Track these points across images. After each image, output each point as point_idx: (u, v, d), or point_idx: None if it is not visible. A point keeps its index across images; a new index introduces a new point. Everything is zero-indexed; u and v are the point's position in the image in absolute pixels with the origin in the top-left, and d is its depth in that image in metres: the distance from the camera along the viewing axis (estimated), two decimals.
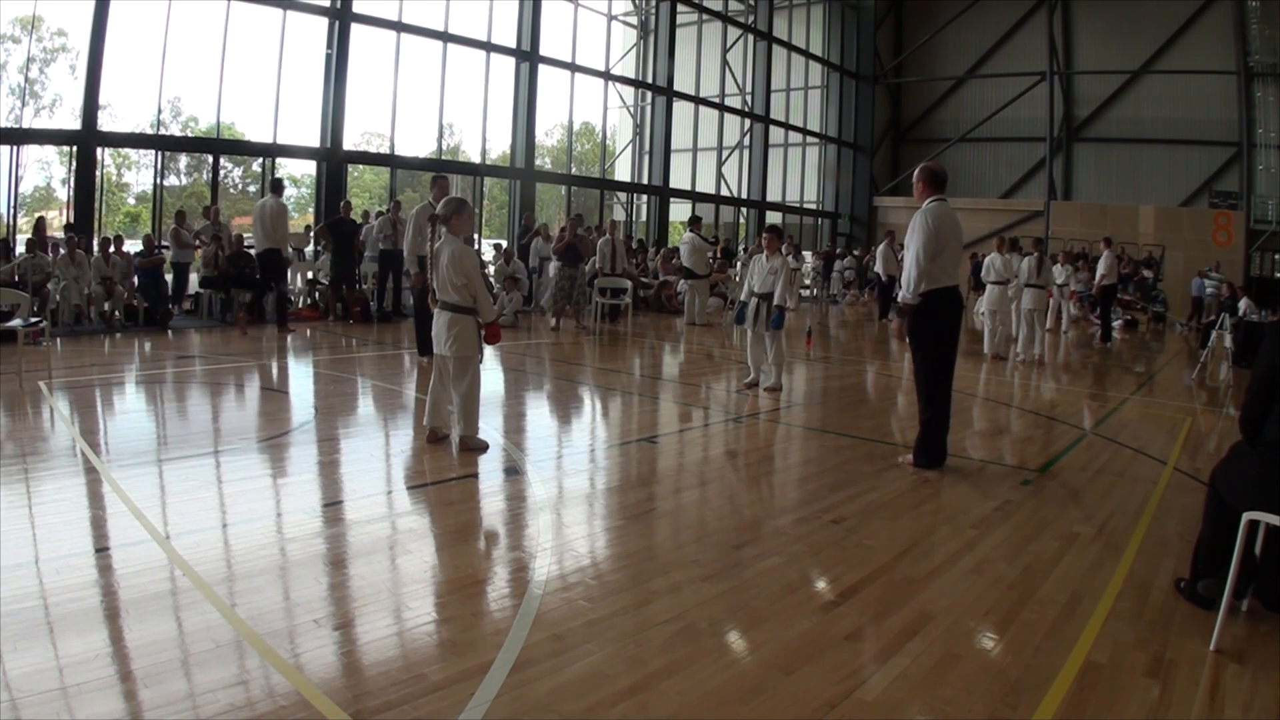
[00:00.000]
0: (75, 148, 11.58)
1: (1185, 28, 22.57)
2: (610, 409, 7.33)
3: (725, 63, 22.33)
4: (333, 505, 4.23)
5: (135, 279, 11.08)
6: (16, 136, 11.49)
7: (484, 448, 5.26)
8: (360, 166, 17.73)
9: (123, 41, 11.90)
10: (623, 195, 21.99)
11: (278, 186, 10.67)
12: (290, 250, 11.34)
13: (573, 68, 18.51)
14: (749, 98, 23.41)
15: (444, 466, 5.05)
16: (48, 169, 14.90)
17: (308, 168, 15.79)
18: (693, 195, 22.02)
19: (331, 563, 3.45)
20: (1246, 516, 2.96)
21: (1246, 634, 3.15)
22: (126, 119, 13.84)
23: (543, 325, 12.61)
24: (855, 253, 22.61)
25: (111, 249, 10.93)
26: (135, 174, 17.73)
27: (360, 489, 4.53)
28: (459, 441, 5.27)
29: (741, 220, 24.52)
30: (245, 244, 12.13)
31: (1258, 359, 3.25)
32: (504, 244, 16.20)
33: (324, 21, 13.87)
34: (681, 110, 21.44)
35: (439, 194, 7.77)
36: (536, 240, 15.03)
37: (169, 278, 11.67)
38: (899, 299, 5.21)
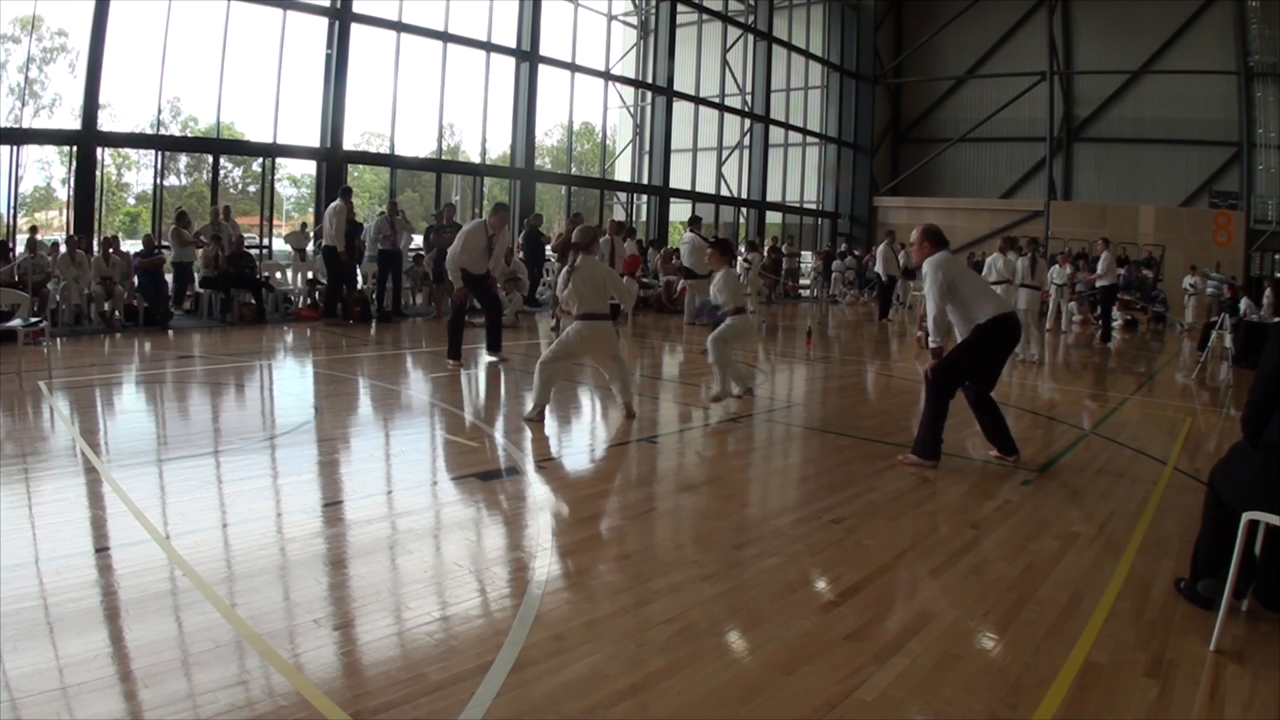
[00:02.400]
0: (75, 148, 11.58)
1: (1185, 28, 22.56)
2: (610, 409, 7.32)
3: (725, 63, 22.33)
4: (333, 505, 4.23)
5: (135, 279, 11.09)
6: (16, 136, 11.49)
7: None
8: (360, 166, 17.74)
9: (123, 41, 11.93)
10: (623, 195, 21.99)
11: (345, 193, 11.76)
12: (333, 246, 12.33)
13: (573, 68, 18.51)
14: (749, 98, 23.41)
15: (444, 466, 5.05)
16: (48, 169, 14.93)
17: (308, 168, 15.81)
18: (693, 195, 22.03)
19: (331, 563, 3.45)
20: (1246, 516, 2.96)
21: (1246, 634, 3.14)
22: (126, 119, 13.88)
23: (543, 325, 12.60)
24: (855, 253, 22.60)
25: (112, 250, 10.93)
26: (135, 174, 17.76)
27: (360, 489, 4.53)
28: (626, 408, 6.35)
29: (741, 220, 24.53)
30: (245, 244, 12.17)
31: (1262, 359, 3.24)
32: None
33: (324, 21, 13.88)
34: (681, 110, 21.44)
35: (498, 222, 8.27)
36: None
37: (169, 278, 11.68)
38: (929, 344, 5.42)
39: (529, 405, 6.16)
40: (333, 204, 11.77)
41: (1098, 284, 14.23)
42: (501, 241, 8.33)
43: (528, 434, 5.98)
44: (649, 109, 21.51)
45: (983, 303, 5.26)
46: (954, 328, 5.37)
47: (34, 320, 7.43)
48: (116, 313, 10.65)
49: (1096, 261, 14.72)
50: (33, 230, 10.80)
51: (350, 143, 15.07)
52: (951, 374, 5.35)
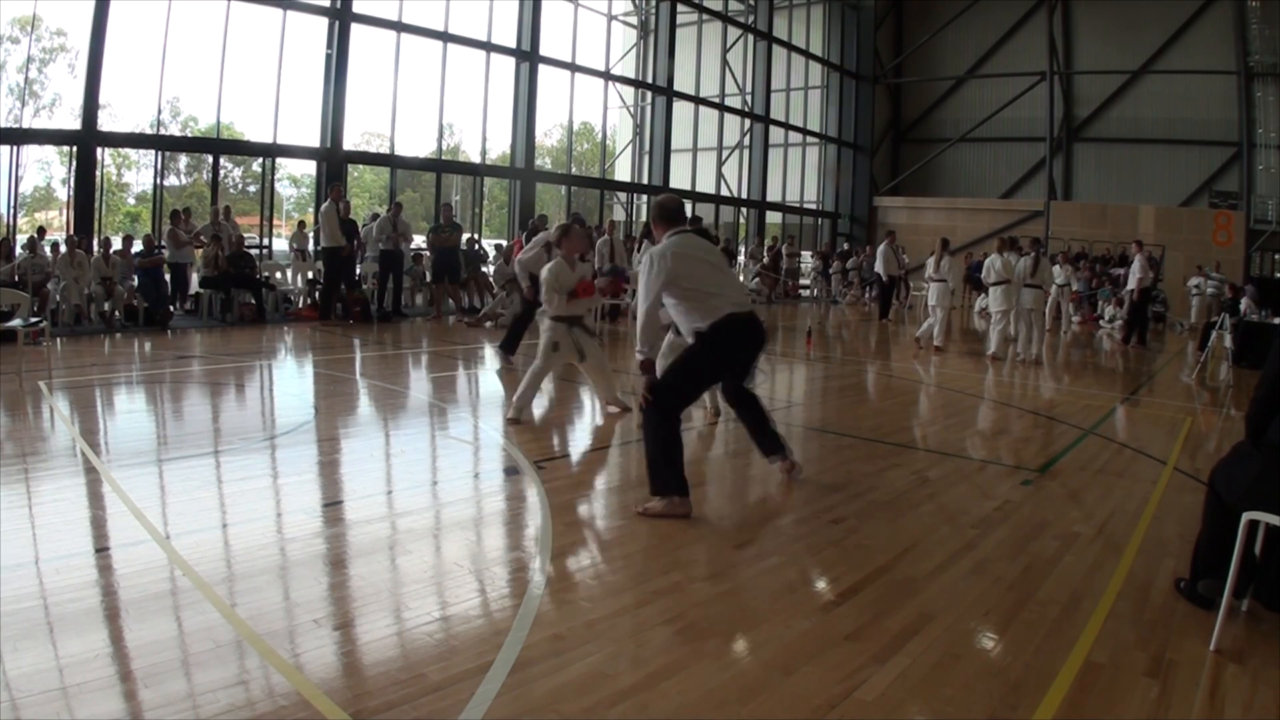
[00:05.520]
0: (75, 148, 11.58)
1: (1185, 28, 22.55)
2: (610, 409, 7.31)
3: (725, 63, 22.32)
4: (333, 505, 4.22)
5: (135, 279, 11.09)
6: (16, 136, 11.49)
7: None
8: (360, 166, 17.75)
9: (123, 41, 11.93)
10: (623, 195, 21.99)
11: (333, 192, 12.03)
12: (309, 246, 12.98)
13: (573, 68, 18.50)
14: (749, 98, 23.40)
15: (444, 466, 5.05)
16: (48, 169, 14.96)
17: (308, 168, 15.81)
18: (693, 195, 22.00)
19: (331, 563, 3.45)
20: (1246, 517, 2.96)
21: (1246, 634, 3.14)
22: (126, 119, 13.90)
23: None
24: (856, 255, 22.56)
25: (112, 249, 10.92)
26: (135, 174, 17.79)
27: (360, 489, 4.53)
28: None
29: (741, 220, 24.52)
30: (245, 244, 12.18)
31: (1269, 360, 3.23)
32: (505, 244, 16.18)
33: (324, 21, 13.87)
34: (681, 110, 21.43)
35: (562, 239, 7.94)
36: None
37: (169, 278, 11.67)
38: (638, 354, 4.24)
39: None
40: (324, 205, 12.00)
41: (1135, 287, 13.90)
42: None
43: (528, 434, 5.98)
44: (649, 109, 21.51)
45: (712, 300, 4.23)
46: (681, 326, 4.39)
47: (34, 320, 7.43)
48: (116, 313, 10.65)
49: (1130, 264, 14.44)
50: (40, 231, 10.81)
51: (350, 143, 15.07)
52: (675, 394, 4.30)
